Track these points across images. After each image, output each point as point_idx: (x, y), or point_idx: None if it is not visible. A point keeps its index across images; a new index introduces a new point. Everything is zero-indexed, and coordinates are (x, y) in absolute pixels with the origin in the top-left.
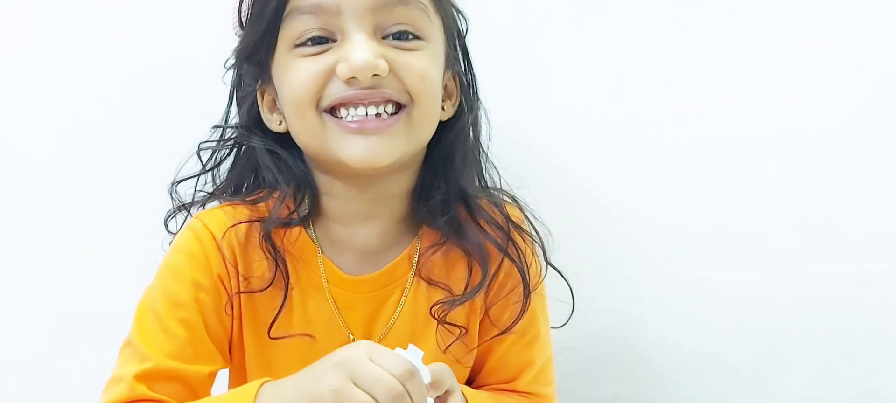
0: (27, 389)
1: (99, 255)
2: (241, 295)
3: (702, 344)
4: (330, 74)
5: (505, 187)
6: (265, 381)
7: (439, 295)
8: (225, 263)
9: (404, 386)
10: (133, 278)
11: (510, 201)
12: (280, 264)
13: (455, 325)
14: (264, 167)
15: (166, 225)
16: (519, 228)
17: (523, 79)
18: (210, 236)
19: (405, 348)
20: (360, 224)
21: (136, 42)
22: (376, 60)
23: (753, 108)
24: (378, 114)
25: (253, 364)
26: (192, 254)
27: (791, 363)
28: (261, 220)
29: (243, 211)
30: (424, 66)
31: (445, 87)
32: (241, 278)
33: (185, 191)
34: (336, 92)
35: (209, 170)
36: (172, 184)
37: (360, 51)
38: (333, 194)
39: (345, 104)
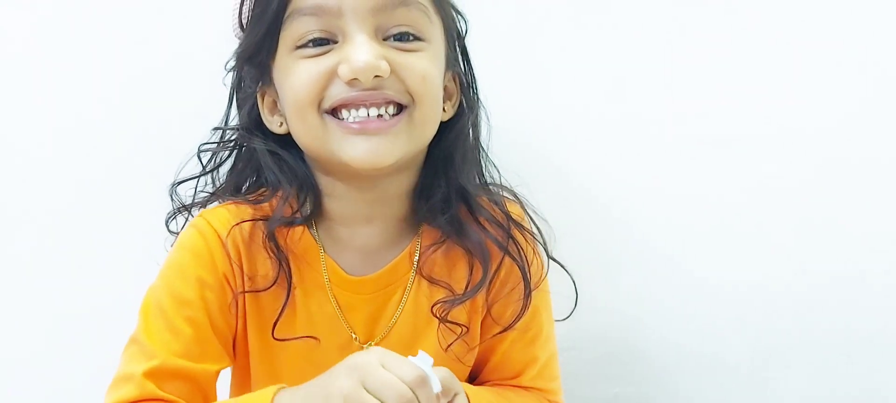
0: (27, 389)
1: (99, 255)
2: (246, 294)
3: (702, 344)
4: (331, 76)
5: (505, 185)
6: (281, 388)
7: (440, 294)
8: (230, 261)
9: (414, 393)
10: (133, 278)
11: (511, 198)
12: (283, 263)
13: (456, 324)
14: (266, 168)
15: (168, 226)
16: (519, 225)
17: (523, 80)
18: (215, 234)
19: (406, 347)
20: (361, 224)
21: (136, 42)
22: (378, 61)
23: (753, 108)
24: (379, 115)
25: (257, 362)
26: (198, 252)
27: (791, 363)
28: (265, 219)
29: (247, 210)
30: (425, 67)
31: (445, 88)
32: (245, 277)
33: (186, 193)
34: (337, 93)
35: (209, 171)
36: (172, 186)
37: (361, 52)
38: (335, 195)
39: (346, 105)
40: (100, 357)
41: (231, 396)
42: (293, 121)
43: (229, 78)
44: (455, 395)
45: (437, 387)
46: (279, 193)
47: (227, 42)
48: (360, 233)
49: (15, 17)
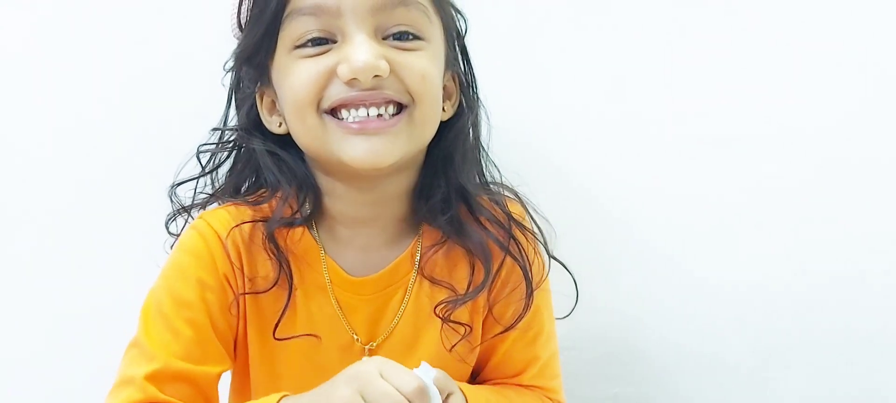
0: (27, 389)
1: (99, 255)
2: (246, 295)
3: (702, 344)
4: (331, 75)
5: (506, 184)
6: (283, 396)
7: (442, 294)
8: (230, 263)
9: None
10: (133, 278)
11: (512, 197)
12: (283, 264)
13: (459, 324)
14: (266, 168)
15: (168, 228)
16: (520, 225)
17: (523, 79)
18: (215, 235)
19: (408, 348)
20: (362, 224)
21: (136, 42)
22: (377, 61)
23: (753, 108)
24: (379, 115)
25: (257, 364)
26: (198, 254)
27: (791, 363)
28: (264, 220)
29: (247, 212)
30: (425, 67)
31: (445, 88)
32: (245, 278)
33: (185, 194)
34: (337, 93)
35: (209, 172)
36: (172, 187)
37: (361, 52)
38: (335, 195)
39: (346, 105)
40: (100, 358)
41: (231, 401)
42: (292, 122)
43: (228, 78)
44: (449, 395)
45: (436, 399)
46: (279, 194)
47: (227, 42)
48: (361, 234)
49: (15, 17)
